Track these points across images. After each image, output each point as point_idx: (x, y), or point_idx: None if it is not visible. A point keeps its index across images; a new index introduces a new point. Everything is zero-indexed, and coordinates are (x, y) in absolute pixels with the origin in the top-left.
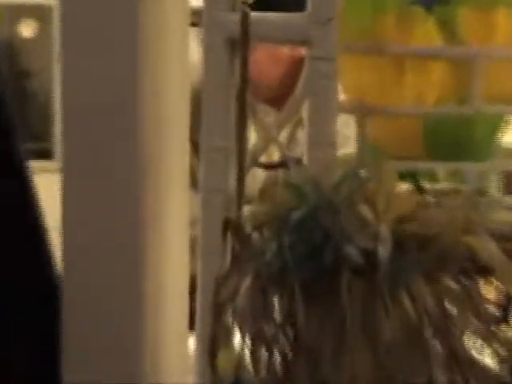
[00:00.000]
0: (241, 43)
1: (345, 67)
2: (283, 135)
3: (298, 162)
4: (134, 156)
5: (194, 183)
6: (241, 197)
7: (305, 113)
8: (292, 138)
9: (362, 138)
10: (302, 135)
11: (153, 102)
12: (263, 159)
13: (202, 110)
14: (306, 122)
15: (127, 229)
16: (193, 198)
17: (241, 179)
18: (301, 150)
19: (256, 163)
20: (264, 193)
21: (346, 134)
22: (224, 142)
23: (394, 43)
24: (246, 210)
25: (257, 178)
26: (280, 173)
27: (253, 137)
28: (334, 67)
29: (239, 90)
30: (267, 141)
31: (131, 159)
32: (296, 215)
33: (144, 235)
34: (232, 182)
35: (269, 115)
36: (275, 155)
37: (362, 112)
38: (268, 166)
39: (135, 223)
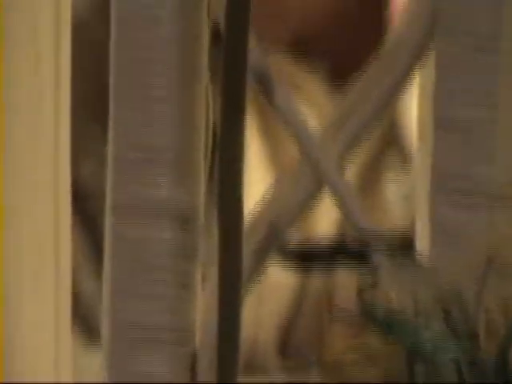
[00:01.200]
0: None
1: None
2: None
3: (391, 241)
4: None
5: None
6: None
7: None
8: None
9: None
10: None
11: None
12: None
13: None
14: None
15: None
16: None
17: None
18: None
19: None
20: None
21: None
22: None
23: None
24: None
25: (272, 287)
26: (339, 275)
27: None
28: None
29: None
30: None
31: None
32: None
33: None
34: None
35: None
36: (323, 222)
37: None
38: (305, 256)
39: None
